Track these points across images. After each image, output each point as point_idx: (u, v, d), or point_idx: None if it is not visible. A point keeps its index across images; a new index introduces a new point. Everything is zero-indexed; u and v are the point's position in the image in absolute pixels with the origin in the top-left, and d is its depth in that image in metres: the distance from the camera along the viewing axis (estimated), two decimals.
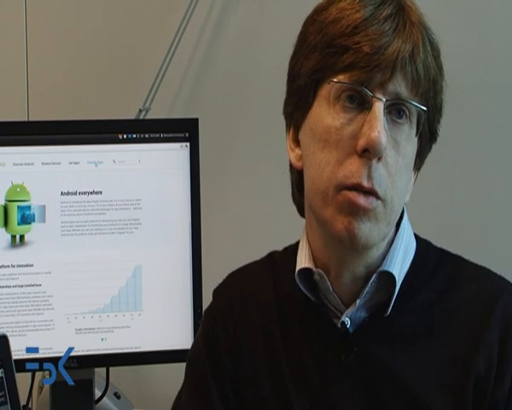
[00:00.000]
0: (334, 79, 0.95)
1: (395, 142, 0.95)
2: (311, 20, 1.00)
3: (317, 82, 0.97)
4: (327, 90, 0.96)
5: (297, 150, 1.03)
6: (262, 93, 1.77)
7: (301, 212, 1.08)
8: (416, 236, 1.07)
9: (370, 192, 0.94)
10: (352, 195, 0.94)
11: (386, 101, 0.94)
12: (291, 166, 1.06)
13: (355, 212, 0.94)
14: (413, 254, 1.04)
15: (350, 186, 0.94)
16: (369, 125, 0.93)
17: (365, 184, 0.93)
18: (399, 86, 0.94)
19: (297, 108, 1.01)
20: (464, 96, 1.63)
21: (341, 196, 0.94)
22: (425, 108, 0.96)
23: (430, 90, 0.97)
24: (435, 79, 0.97)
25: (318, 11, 0.99)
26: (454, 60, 1.62)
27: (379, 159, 0.94)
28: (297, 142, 1.03)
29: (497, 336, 0.98)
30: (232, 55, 1.83)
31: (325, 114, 0.96)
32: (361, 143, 0.93)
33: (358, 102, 0.95)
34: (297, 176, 1.05)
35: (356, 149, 0.94)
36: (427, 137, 1.01)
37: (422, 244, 1.07)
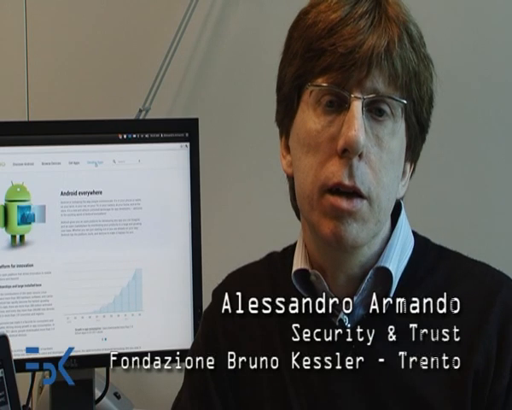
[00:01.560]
0: (314, 83, 0.95)
1: (377, 138, 0.95)
2: (294, 26, 1.00)
3: (299, 88, 0.98)
4: (307, 94, 0.97)
5: (288, 157, 1.04)
6: (262, 93, 1.75)
7: (299, 216, 1.08)
8: (414, 233, 1.07)
9: (353, 191, 0.94)
10: (334, 199, 0.94)
11: (364, 98, 0.94)
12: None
13: (339, 215, 0.95)
14: (411, 250, 1.04)
15: (332, 187, 0.94)
16: (347, 124, 0.93)
17: (346, 182, 0.94)
18: (377, 82, 0.94)
19: (285, 115, 1.02)
20: (464, 96, 1.63)
21: (325, 200, 0.95)
22: (405, 102, 0.96)
23: (411, 82, 0.96)
24: (416, 70, 0.97)
25: (301, 16, 1.00)
26: (454, 60, 1.62)
27: (360, 157, 0.94)
28: (288, 149, 1.03)
29: (495, 331, 0.98)
30: (232, 55, 1.83)
31: (307, 119, 0.97)
32: (340, 143, 0.93)
33: (338, 104, 0.95)
34: (292, 182, 1.05)
35: (336, 150, 0.94)
36: (417, 129, 1.00)
37: (421, 241, 1.07)
